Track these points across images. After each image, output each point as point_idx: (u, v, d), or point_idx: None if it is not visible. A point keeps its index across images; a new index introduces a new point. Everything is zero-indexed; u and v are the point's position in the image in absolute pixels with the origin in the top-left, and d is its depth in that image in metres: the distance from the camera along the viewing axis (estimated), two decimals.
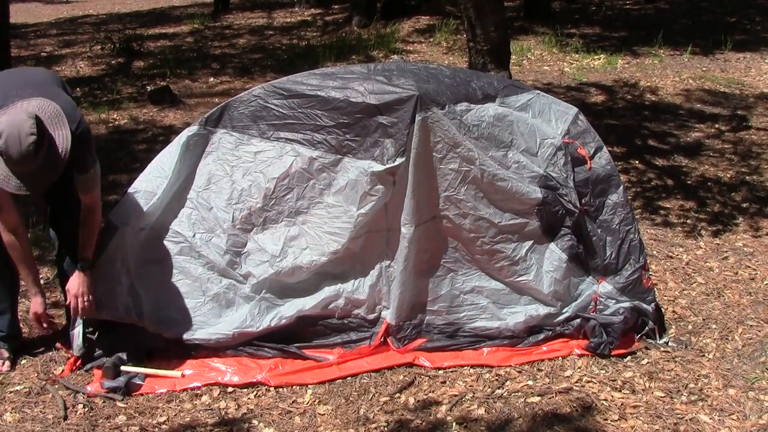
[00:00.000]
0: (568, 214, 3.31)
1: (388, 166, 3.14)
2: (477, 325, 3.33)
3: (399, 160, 3.13)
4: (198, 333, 3.19)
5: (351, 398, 3.04)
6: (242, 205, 3.24)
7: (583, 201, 3.31)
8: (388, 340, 3.30)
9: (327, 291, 3.29)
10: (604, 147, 3.47)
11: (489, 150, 3.24)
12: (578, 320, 3.34)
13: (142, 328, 3.19)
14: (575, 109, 3.53)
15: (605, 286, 3.37)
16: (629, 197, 3.89)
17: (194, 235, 3.23)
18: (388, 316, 3.30)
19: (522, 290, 3.36)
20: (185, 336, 3.18)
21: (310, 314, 3.27)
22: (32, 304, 3.12)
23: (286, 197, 3.24)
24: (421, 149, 3.14)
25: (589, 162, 3.37)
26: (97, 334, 3.20)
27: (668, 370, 3.17)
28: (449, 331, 3.33)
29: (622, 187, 3.43)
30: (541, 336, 3.34)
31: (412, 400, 3.01)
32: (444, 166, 3.18)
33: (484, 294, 3.35)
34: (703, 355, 3.29)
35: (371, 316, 3.34)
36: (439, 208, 3.24)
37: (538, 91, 3.52)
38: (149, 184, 3.21)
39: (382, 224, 3.29)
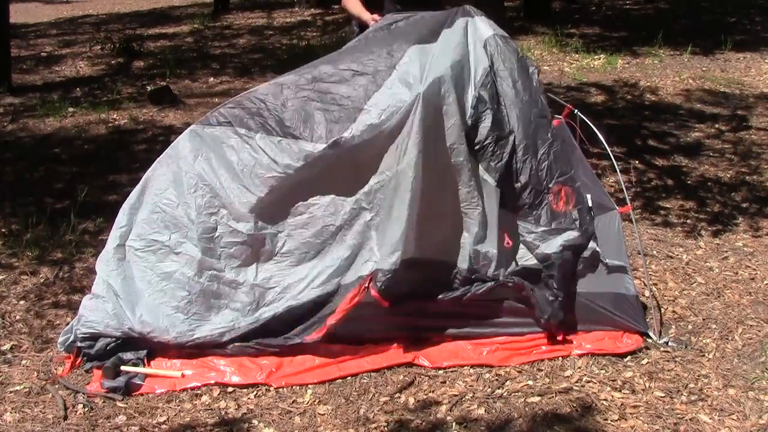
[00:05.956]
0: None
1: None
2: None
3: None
4: (198, 332, 3.18)
5: (351, 398, 3.04)
6: (200, 191, 3.25)
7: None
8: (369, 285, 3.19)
9: (320, 277, 3.24)
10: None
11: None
12: (521, 275, 3.28)
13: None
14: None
15: (525, 225, 3.31)
16: (629, 197, 3.85)
17: (169, 238, 3.26)
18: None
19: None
20: (185, 339, 3.18)
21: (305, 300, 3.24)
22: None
23: (232, 180, 3.23)
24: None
25: None
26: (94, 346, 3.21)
27: (668, 370, 3.17)
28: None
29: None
30: (485, 287, 3.26)
31: (412, 400, 3.02)
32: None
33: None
34: (703, 355, 3.30)
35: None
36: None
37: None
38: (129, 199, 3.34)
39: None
